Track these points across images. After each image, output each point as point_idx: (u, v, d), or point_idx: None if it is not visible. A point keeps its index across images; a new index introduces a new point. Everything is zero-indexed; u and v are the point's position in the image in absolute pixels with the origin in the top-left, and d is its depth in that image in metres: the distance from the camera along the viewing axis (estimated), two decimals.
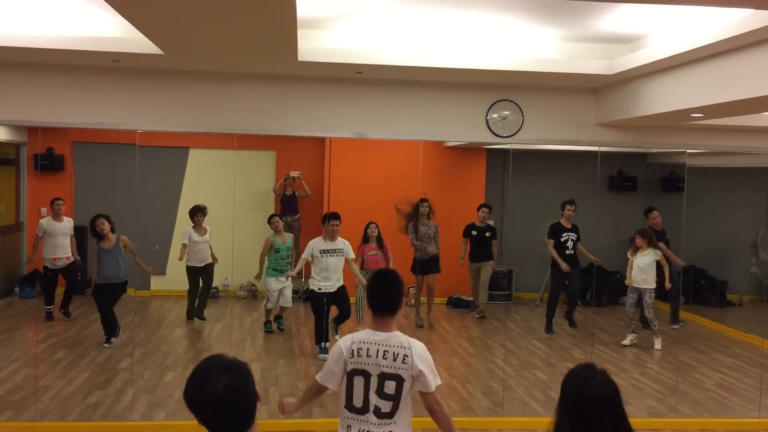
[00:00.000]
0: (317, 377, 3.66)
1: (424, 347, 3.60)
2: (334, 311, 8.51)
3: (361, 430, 3.48)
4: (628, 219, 12.05)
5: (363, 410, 3.49)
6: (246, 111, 6.49)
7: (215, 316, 9.99)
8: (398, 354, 3.49)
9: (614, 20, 5.41)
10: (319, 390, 3.70)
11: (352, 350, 3.51)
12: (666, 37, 5.53)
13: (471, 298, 11.17)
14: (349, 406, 3.52)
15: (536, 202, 11.62)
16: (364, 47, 5.89)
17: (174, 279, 10.91)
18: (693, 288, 11.25)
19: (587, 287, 11.27)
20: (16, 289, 10.66)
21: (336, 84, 6.53)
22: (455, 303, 11.04)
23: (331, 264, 8.17)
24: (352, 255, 8.38)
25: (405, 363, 3.48)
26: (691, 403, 7.12)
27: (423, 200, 9.78)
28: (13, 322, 9.61)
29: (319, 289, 8.16)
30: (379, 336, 3.53)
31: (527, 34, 5.97)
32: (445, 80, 6.54)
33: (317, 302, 8.18)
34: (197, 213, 9.55)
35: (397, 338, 3.54)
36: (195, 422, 2.22)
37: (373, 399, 3.48)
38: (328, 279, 8.16)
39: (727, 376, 8.09)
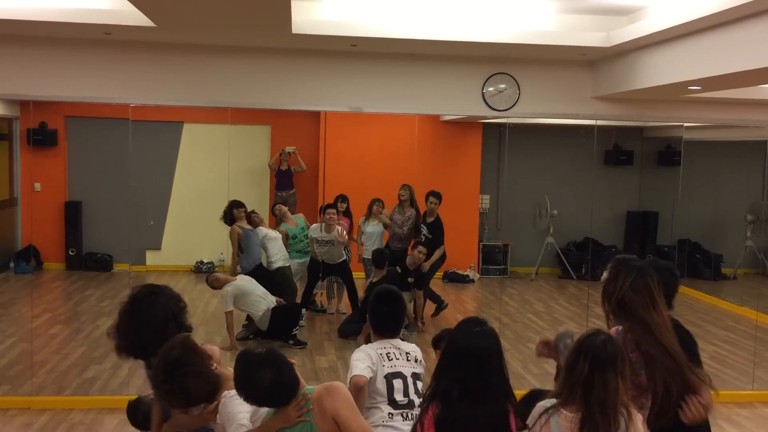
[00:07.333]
0: (357, 375, 3.43)
1: None
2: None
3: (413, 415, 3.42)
4: (624, 193, 12.06)
5: (409, 405, 3.48)
6: (240, 85, 6.42)
7: (211, 292, 9.97)
8: (416, 357, 3.65)
9: None
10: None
11: (381, 355, 3.55)
12: (664, 9, 5.46)
13: (467, 273, 11.16)
14: (393, 402, 3.48)
15: (532, 177, 11.61)
16: (359, 20, 5.82)
17: (169, 254, 10.91)
18: (688, 261, 11.28)
19: (583, 261, 11.30)
20: (11, 265, 10.65)
21: (331, 57, 6.46)
22: (451, 277, 11.05)
23: (325, 253, 8.37)
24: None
25: (421, 363, 3.66)
26: None
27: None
28: (8, 298, 9.61)
29: (322, 259, 8.39)
30: (392, 342, 3.65)
31: (524, 6, 5.90)
32: (441, 53, 6.47)
33: (313, 267, 8.46)
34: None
35: (406, 344, 3.69)
36: None
37: (415, 399, 3.50)
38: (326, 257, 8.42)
39: (721, 349, 8.14)
